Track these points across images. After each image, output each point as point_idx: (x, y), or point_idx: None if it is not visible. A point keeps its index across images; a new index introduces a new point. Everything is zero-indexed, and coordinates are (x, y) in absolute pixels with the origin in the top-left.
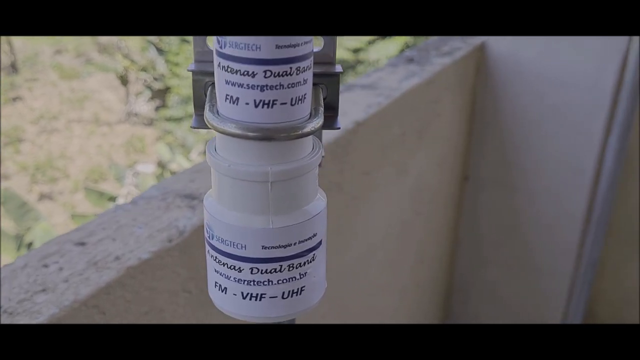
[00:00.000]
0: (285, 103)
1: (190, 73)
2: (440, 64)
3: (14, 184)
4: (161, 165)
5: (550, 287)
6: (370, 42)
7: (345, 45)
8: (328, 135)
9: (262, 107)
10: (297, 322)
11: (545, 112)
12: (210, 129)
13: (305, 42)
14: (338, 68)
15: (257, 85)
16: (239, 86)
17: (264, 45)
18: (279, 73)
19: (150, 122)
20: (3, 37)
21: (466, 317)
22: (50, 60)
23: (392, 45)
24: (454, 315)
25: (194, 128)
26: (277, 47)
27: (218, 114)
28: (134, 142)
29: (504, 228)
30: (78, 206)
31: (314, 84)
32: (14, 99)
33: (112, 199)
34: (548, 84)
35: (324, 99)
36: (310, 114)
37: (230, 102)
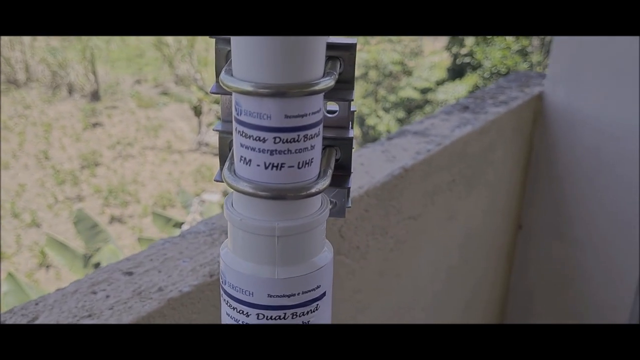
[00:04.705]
0: (292, 166)
1: None
2: (495, 113)
3: (87, 206)
4: (226, 194)
5: None
6: (439, 83)
7: (414, 84)
8: (374, 180)
9: (272, 169)
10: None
11: (601, 166)
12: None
13: (313, 112)
14: (351, 133)
15: (267, 150)
16: (251, 150)
17: (274, 114)
18: (287, 140)
19: None
20: (87, 67)
21: None
22: (130, 89)
23: (461, 86)
24: None
25: (217, 181)
26: (286, 116)
27: (235, 173)
28: (203, 170)
29: (556, 282)
30: (145, 230)
31: (329, 146)
32: (94, 125)
33: (178, 224)
34: (604, 137)
35: (337, 160)
36: (319, 174)
37: (244, 163)
